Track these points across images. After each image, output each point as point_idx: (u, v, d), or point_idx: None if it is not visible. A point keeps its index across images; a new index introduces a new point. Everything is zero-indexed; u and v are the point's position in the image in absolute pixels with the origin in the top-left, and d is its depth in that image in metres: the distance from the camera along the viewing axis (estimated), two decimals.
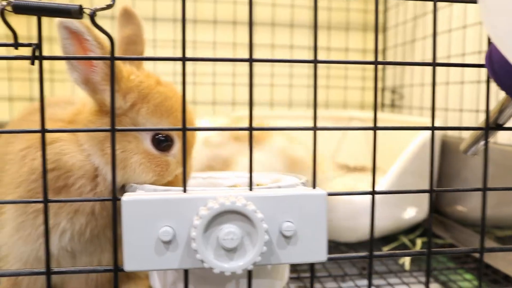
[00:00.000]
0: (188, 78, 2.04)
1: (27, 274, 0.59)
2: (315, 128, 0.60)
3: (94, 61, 0.67)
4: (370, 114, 1.99)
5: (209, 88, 2.08)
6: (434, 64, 0.63)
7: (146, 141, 0.71)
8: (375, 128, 0.62)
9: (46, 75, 1.94)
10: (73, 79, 0.68)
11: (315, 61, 0.59)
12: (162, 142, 0.72)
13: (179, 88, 0.73)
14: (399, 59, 2.05)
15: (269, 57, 2.12)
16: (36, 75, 1.92)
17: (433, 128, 0.64)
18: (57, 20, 0.62)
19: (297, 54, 2.15)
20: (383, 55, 2.22)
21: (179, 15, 2.03)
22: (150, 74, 0.75)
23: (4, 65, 1.92)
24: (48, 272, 0.58)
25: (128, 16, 0.79)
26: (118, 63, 0.69)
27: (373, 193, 0.63)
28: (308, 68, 2.17)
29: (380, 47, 2.22)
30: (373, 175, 0.63)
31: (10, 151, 0.74)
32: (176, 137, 0.73)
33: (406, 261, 1.21)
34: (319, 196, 0.59)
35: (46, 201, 0.57)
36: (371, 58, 2.23)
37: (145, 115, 0.71)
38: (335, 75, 2.18)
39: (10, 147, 0.75)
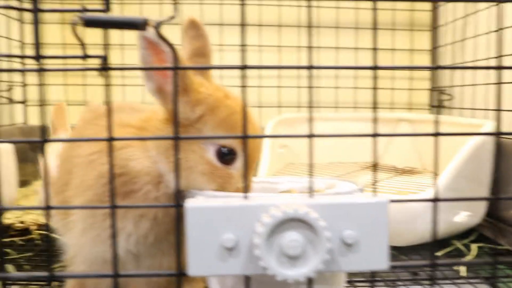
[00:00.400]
0: (253, 82, 2.06)
1: (95, 276, 0.61)
2: (375, 135, 0.59)
3: (168, 72, 0.69)
4: (419, 115, 1.95)
5: (274, 91, 2.09)
6: (499, 68, 0.61)
7: (210, 152, 0.72)
8: (436, 134, 0.61)
9: (99, 80, 2.01)
10: (147, 88, 0.70)
11: (375, 68, 0.59)
12: (226, 155, 0.73)
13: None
14: (448, 59, 1.99)
15: (334, 59, 2.11)
16: (89, 80, 2.00)
17: (498, 134, 0.62)
18: (139, 32, 0.64)
19: (342, 55, 2.13)
20: (432, 55, 2.16)
21: (225, 20, 2.05)
22: (219, 87, 0.76)
23: (60, 71, 2.00)
24: (116, 275, 0.59)
25: (195, 28, 0.80)
26: (190, 74, 0.71)
27: (435, 200, 0.62)
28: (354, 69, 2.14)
29: (428, 47, 2.17)
30: (435, 182, 0.62)
31: (79, 153, 0.77)
32: (240, 151, 0.74)
33: (462, 267, 1.17)
34: (381, 204, 0.58)
35: (113, 207, 0.59)
36: (419, 58, 2.18)
37: (211, 127, 0.72)
38: (381, 75, 2.15)
39: (79, 149, 0.77)
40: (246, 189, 0.59)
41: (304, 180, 0.87)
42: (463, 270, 1.16)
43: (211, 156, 0.72)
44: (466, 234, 1.41)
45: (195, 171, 0.71)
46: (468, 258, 1.25)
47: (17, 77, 2.03)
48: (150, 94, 0.71)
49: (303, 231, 0.55)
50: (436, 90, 2.12)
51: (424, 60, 2.18)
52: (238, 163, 0.74)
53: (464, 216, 1.32)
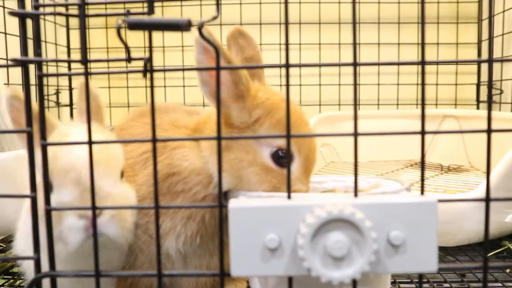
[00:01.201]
0: (294, 80, 2.05)
1: (140, 276, 0.62)
2: (423, 132, 0.57)
3: (223, 79, 0.70)
4: (466, 111, 1.89)
5: (314, 90, 2.08)
6: None
7: (265, 154, 0.72)
8: (488, 131, 0.58)
9: (142, 82, 2.06)
10: (204, 92, 0.72)
11: (422, 63, 0.57)
12: (281, 158, 0.73)
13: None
14: (496, 53, 1.91)
15: (375, 56, 2.07)
16: (132, 82, 2.05)
17: None
18: (195, 36, 0.66)
19: (384, 51, 2.09)
20: (478, 48, 2.08)
21: (264, 19, 2.05)
22: (276, 92, 0.77)
23: (104, 75, 2.05)
24: (160, 275, 0.60)
25: (244, 38, 0.82)
26: (246, 81, 0.72)
27: (487, 200, 0.59)
28: (396, 66, 2.09)
29: (475, 40, 2.09)
30: (487, 181, 0.59)
31: (128, 150, 0.79)
32: (297, 153, 0.73)
33: None
34: (429, 204, 0.56)
35: (157, 207, 0.60)
36: (464, 52, 2.11)
37: (267, 128, 0.72)
38: (425, 71, 2.08)
39: (128, 147, 0.79)
40: (288, 182, 0.58)
41: (348, 179, 0.85)
42: None
43: (265, 158, 0.72)
44: None
45: (247, 171, 0.72)
46: None
47: (64, 81, 2.10)
48: (206, 98, 0.73)
49: (348, 232, 0.54)
50: (483, 84, 2.04)
51: (470, 54, 2.11)
52: (295, 166, 0.74)
53: None
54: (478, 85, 2.09)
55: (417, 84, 2.07)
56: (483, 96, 2.07)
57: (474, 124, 1.79)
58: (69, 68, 2.02)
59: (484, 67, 2.05)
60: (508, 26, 1.83)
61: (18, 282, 1.11)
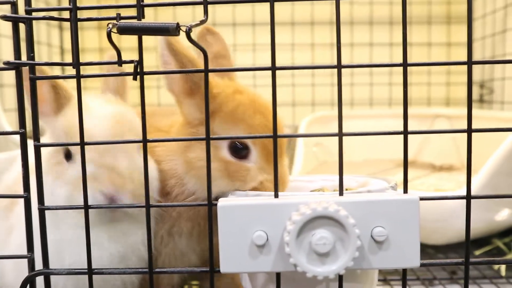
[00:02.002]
0: (287, 80, 2.07)
1: (131, 273, 0.64)
2: (406, 132, 0.59)
3: (174, 74, 0.72)
4: (458, 110, 1.90)
5: (307, 89, 2.09)
6: None
7: (223, 149, 0.73)
8: (470, 131, 0.60)
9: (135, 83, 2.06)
10: (167, 88, 0.75)
11: (405, 64, 0.58)
12: (239, 150, 0.73)
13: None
14: (487, 52, 1.94)
15: (368, 56, 2.09)
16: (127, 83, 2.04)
17: None
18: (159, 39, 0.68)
19: (377, 51, 2.11)
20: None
21: (257, 19, 2.06)
22: (231, 84, 0.78)
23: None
24: (151, 272, 0.62)
25: (212, 34, 0.84)
26: (198, 76, 0.72)
27: (468, 197, 0.61)
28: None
29: (464, 39, 2.11)
30: (468, 179, 0.61)
31: None
32: (251, 144, 0.74)
33: (502, 266, 1.14)
34: (412, 201, 0.58)
35: (148, 206, 0.62)
36: (456, 51, 2.13)
37: (219, 123, 0.73)
38: (417, 70, 2.10)
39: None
40: (276, 181, 0.59)
41: (337, 178, 0.87)
42: (503, 270, 1.12)
43: (224, 153, 0.73)
44: (507, 232, 1.37)
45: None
46: (509, 256, 1.22)
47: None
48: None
49: (332, 229, 0.56)
50: (476, 84, 2.06)
51: (463, 54, 2.13)
52: (254, 156, 0.74)
53: (506, 214, 1.28)
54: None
55: (410, 84, 2.09)
56: (476, 95, 2.09)
57: (465, 124, 1.80)
58: (63, 70, 2.03)
59: (476, 67, 2.07)
60: (498, 26, 1.85)
61: None
